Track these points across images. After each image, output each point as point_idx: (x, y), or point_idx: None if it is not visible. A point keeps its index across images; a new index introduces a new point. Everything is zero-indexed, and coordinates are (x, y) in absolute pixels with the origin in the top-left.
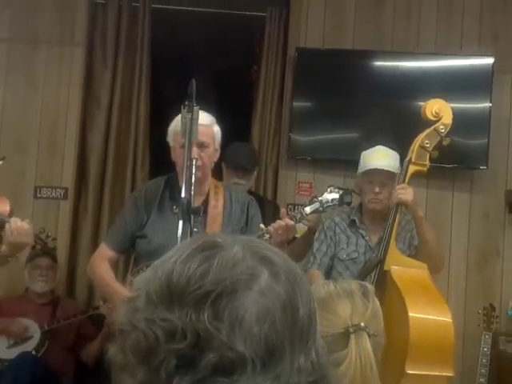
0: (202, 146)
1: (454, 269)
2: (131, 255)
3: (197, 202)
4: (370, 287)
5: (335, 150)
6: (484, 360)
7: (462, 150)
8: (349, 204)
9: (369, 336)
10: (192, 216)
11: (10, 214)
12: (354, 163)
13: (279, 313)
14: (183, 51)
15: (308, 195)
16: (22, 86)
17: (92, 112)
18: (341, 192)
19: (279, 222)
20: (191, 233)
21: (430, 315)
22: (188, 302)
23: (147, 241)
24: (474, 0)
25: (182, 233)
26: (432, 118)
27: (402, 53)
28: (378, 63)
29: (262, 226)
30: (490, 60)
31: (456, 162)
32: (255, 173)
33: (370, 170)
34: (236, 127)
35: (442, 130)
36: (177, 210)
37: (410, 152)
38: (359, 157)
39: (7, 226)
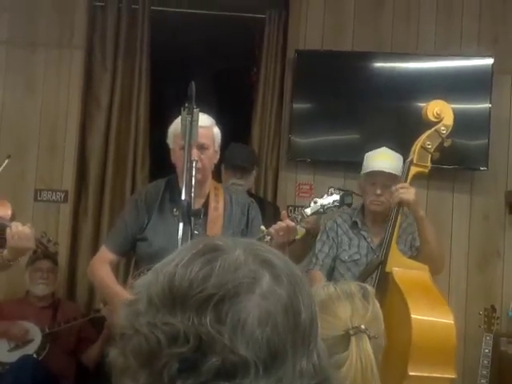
0: (202, 147)
1: (454, 270)
2: (132, 258)
3: (197, 205)
4: (370, 289)
5: (335, 152)
6: (485, 361)
7: (462, 150)
8: (349, 205)
9: (369, 338)
10: (192, 218)
11: (12, 218)
12: (354, 165)
13: (281, 316)
14: (183, 53)
15: (308, 197)
16: (22, 89)
17: (92, 114)
18: (341, 193)
19: (280, 224)
20: (192, 235)
21: (432, 317)
22: (190, 306)
23: (148, 243)
24: (474, 1)
25: (183, 235)
26: (433, 120)
27: (402, 54)
28: (378, 65)
29: (262, 227)
30: (489, 61)
31: (456, 162)
32: (254, 173)
33: (373, 171)
34: (236, 129)
35: (444, 131)
36: (177, 213)
37: (411, 153)
38: (359, 158)
39: (8, 230)
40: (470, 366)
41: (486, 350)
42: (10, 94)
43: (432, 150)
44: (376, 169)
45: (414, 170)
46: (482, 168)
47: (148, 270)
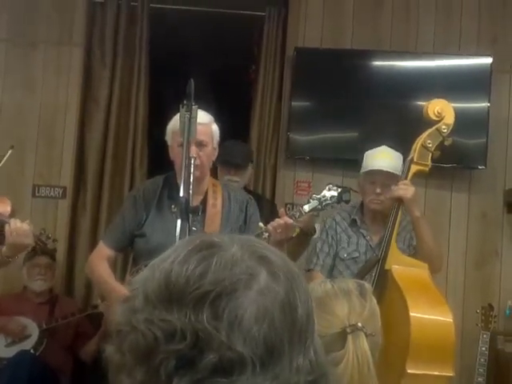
0: (200, 144)
1: (452, 268)
2: (130, 254)
3: (195, 201)
4: (368, 286)
5: (334, 150)
6: (482, 359)
7: (460, 149)
8: (347, 202)
9: (366, 336)
10: (190, 215)
11: (12, 215)
12: (353, 163)
13: (278, 312)
14: (181, 51)
15: (306, 194)
16: (21, 86)
17: (90, 111)
18: (339, 190)
19: (278, 221)
20: (189, 232)
21: (431, 315)
22: (187, 303)
23: (145, 240)
24: (473, 0)
25: (181, 232)
26: (434, 118)
27: (401, 53)
28: (377, 63)
29: (260, 224)
30: (488, 60)
31: (454, 161)
32: (250, 169)
33: (373, 170)
34: (234, 127)
35: (444, 130)
36: (175, 209)
37: (411, 152)
38: (358, 156)
39: (7, 227)
40: (467, 364)
41: (483, 348)
42: (10, 91)
43: (433, 149)
44: (376, 168)
45: (414, 168)
46: (480, 167)
47: (146, 267)
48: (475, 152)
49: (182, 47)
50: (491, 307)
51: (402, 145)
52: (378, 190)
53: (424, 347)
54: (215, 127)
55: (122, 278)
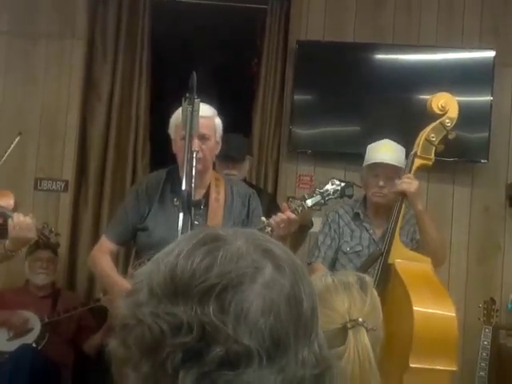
0: (203, 138)
1: (454, 262)
2: (132, 248)
3: (198, 195)
4: (368, 279)
5: (336, 143)
6: (484, 354)
7: (462, 143)
8: (350, 197)
9: (367, 331)
10: (193, 209)
11: (15, 209)
12: (355, 156)
13: (284, 305)
14: (183, 44)
15: (308, 188)
16: (23, 80)
17: (92, 105)
18: (342, 184)
19: (281, 216)
20: (192, 225)
21: (434, 309)
22: (193, 296)
23: (148, 233)
24: None
25: (183, 225)
26: (438, 112)
27: (403, 46)
28: (379, 56)
29: (263, 219)
30: (491, 53)
31: (457, 155)
32: (247, 162)
33: (375, 163)
34: (237, 120)
35: (448, 124)
36: (177, 203)
37: (415, 145)
38: (360, 150)
39: (10, 221)
40: (469, 358)
41: (485, 343)
42: (11, 85)
43: (436, 143)
44: (378, 160)
45: (418, 162)
46: (482, 161)
47: (149, 260)
48: (478, 146)
49: (184, 41)
50: (493, 301)
51: (405, 139)
52: (381, 183)
53: (427, 341)
54: (218, 121)
55: (124, 272)
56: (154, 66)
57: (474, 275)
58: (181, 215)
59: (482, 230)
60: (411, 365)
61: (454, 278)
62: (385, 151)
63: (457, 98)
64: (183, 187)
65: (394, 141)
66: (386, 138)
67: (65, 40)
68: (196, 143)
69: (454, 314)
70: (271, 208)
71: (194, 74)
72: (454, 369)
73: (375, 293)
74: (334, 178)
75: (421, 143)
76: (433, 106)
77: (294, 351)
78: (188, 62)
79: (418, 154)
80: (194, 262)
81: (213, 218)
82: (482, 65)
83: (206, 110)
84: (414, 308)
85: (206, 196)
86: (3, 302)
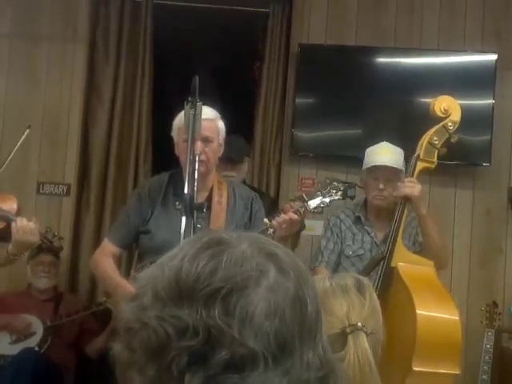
0: (206, 140)
1: (456, 266)
2: (134, 251)
3: (200, 198)
4: (366, 281)
5: (338, 147)
6: (487, 357)
7: (464, 146)
8: (352, 198)
9: (366, 335)
10: (195, 212)
11: (18, 213)
12: (357, 160)
13: (289, 308)
14: (185, 47)
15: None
16: (24, 82)
17: (95, 108)
18: (344, 186)
19: (283, 217)
20: (194, 229)
21: (437, 313)
22: (198, 299)
23: (150, 236)
24: None
25: (185, 229)
26: (441, 115)
27: (405, 49)
28: (381, 59)
29: (266, 220)
30: (493, 57)
31: (459, 158)
32: (246, 164)
33: (375, 166)
34: (238, 124)
35: (451, 127)
36: (180, 206)
37: (418, 148)
38: (362, 153)
39: (13, 224)
40: (472, 361)
41: (488, 346)
42: (13, 87)
43: (439, 146)
44: (378, 163)
45: (420, 165)
46: (484, 164)
47: (151, 263)
48: (479, 149)
49: (186, 44)
50: (496, 304)
51: (407, 142)
52: (382, 186)
53: (430, 345)
54: (221, 124)
55: (126, 275)
56: (155, 69)
57: (476, 278)
58: (183, 219)
59: (484, 233)
60: (414, 368)
61: (456, 281)
62: (384, 154)
63: (459, 102)
64: (185, 190)
65: (396, 144)
66: (388, 141)
67: (67, 43)
68: (199, 145)
69: (457, 318)
70: (272, 210)
71: (197, 77)
72: (457, 372)
73: (374, 295)
74: (335, 180)
75: (423, 146)
76: (435, 109)
77: (299, 354)
78: (190, 65)
79: (421, 157)
80: (198, 266)
81: (215, 221)
82: (484, 68)
83: (208, 113)
84: (417, 311)
85: (209, 199)
86: (5, 306)
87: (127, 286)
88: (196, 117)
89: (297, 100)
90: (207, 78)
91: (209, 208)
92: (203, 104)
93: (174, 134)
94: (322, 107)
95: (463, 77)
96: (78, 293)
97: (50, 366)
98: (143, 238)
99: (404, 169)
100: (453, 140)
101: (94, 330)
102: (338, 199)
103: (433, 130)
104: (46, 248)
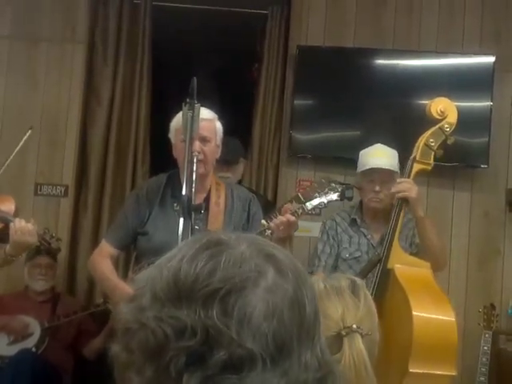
0: (204, 140)
1: (454, 268)
2: (132, 253)
3: (198, 199)
4: (360, 282)
5: (336, 148)
6: (484, 359)
7: (462, 148)
8: (350, 199)
9: (362, 336)
10: (193, 213)
11: (16, 214)
12: (355, 161)
13: (287, 309)
14: (184, 48)
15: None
16: (23, 83)
17: (93, 109)
18: (342, 187)
19: (281, 218)
20: (192, 230)
21: (433, 314)
22: (196, 300)
23: (148, 238)
24: None
25: (183, 230)
26: (437, 117)
27: (404, 51)
28: (380, 61)
29: (263, 221)
30: (491, 59)
31: (457, 160)
32: (241, 165)
33: (371, 169)
34: (237, 125)
35: (447, 129)
36: (178, 208)
37: (414, 150)
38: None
39: (11, 225)
40: (469, 363)
41: (485, 348)
42: (12, 88)
43: (435, 148)
44: (373, 166)
45: (416, 167)
46: (482, 166)
47: (149, 265)
48: (477, 151)
49: (185, 45)
50: (493, 306)
51: (404, 143)
52: (377, 188)
53: (427, 346)
54: (219, 124)
55: (124, 276)
56: (154, 70)
57: (474, 280)
58: (181, 220)
59: (482, 235)
60: (411, 370)
61: (453, 282)
62: (379, 156)
63: (457, 104)
64: (183, 192)
65: (394, 145)
66: (386, 142)
67: (66, 43)
68: (197, 145)
69: (453, 319)
70: (266, 212)
71: (195, 78)
72: (454, 374)
73: (369, 295)
74: (333, 181)
75: (420, 148)
76: (432, 110)
77: (297, 355)
78: (188, 66)
79: (417, 158)
80: (197, 267)
81: (213, 222)
82: (482, 70)
83: (206, 113)
84: (414, 313)
85: (207, 200)
86: (3, 307)
87: (125, 288)
88: (194, 118)
89: (295, 101)
90: (206, 80)
91: (207, 209)
92: (201, 105)
93: (172, 135)
94: (320, 109)
95: (461, 79)
96: (76, 294)
97: (47, 367)
98: (141, 240)
99: (398, 170)
100: (449, 142)
101: (92, 331)
102: (336, 200)
103: (429, 131)
104: (43, 250)
